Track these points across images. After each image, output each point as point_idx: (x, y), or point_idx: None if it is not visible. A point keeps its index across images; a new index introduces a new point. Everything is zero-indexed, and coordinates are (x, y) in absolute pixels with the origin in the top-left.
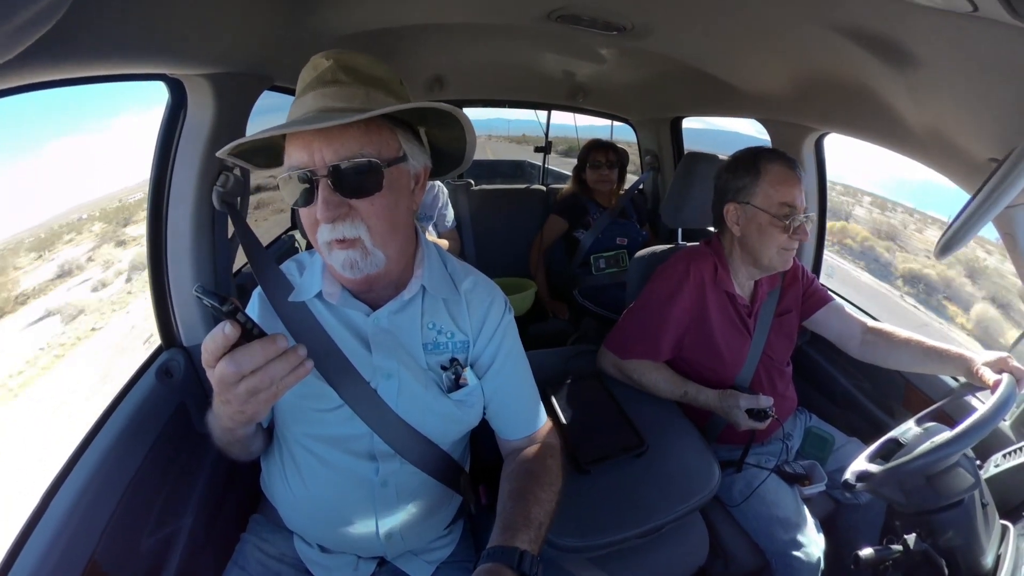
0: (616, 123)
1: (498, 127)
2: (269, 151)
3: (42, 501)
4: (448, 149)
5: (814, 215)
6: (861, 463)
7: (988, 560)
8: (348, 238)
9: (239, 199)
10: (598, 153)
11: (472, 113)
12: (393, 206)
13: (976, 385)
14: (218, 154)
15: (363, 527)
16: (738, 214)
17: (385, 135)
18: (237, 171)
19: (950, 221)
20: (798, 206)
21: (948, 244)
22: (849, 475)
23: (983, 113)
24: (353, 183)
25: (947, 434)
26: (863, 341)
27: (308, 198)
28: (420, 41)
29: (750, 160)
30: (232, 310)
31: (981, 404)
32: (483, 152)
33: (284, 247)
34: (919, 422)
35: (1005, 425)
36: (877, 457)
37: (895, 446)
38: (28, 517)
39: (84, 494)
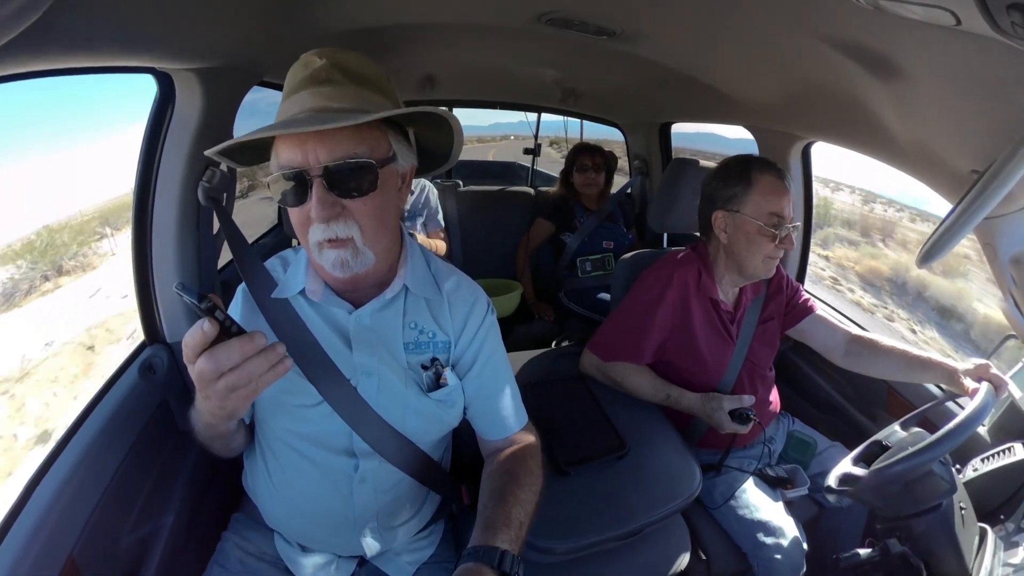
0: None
1: (546, 129)
2: (255, 149)
3: (20, 498)
4: (434, 149)
5: (800, 224)
6: (846, 465)
7: (966, 562)
8: (341, 237)
9: (225, 195)
10: (585, 156)
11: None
12: (384, 206)
13: (958, 392)
14: (207, 152)
15: (342, 524)
16: (727, 222)
17: (376, 135)
18: (224, 167)
19: (932, 231)
20: (786, 216)
21: (929, 253)
22: (832, 478)
23: (966, 126)
24: (348, 183)
25: (926, 440)
26: (847, 351)
27: (300, 198)
28: (412, 40)
29: (741, 169)
30: (210, 307)
31: (961, 410)
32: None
33: (275, 241)
34: (903, 426)
35: (983, 431)
36: (861, 460)
37: (879, 449)
38: (5, 515)
39: (63, 491)
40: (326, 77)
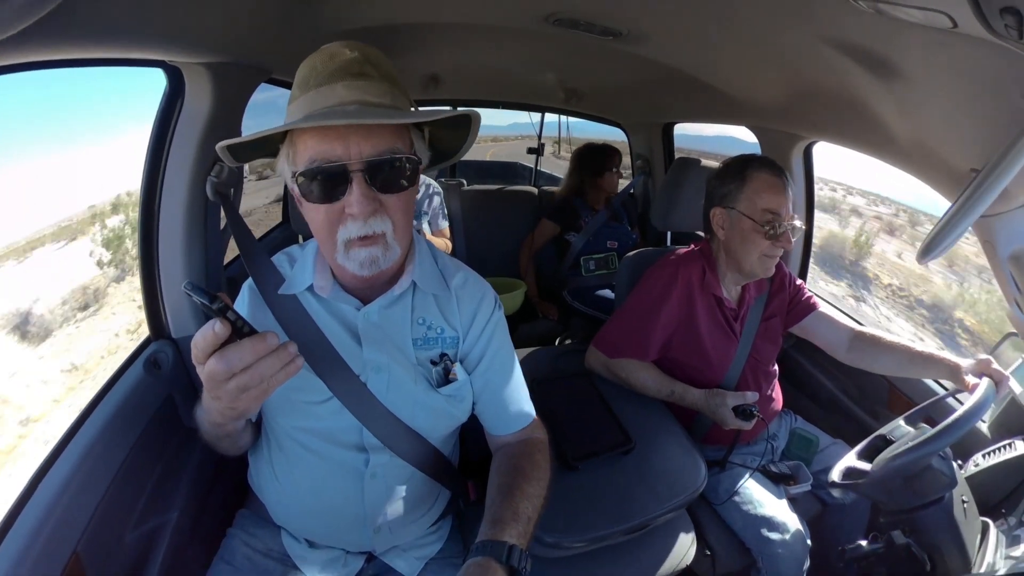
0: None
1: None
2: (258, 143)
3: (24, 493)
4: (442, 145)
5: (800, 223)
6: (850, 459)
7: (969, 555)
8: (376, 233)
9: (232, 190)
10: (616, 157)
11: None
12: (412, 201)
13: (960, 388)
14: (219, 145)
15: (352, 520)
16: (723, 219)
17: (405, 133)
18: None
19: (932, 227)
20: (782, 214)
21: (928, 249)
22: (836, 472)
23: (965, 125)
24: (390, 178)
25: (925, 434)
26: (850, 347)
27: (335, 193)
28: (418, 39)
29: (738, 167)
30: (222, 308)
31: (962, 406)
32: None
33: (282, 236)
34: (907, 421)
35: (984, 426)
36: (864, 455)
37: (883, 443)
38: (9, 509)
39: (68, 486)
40: (360, 70)
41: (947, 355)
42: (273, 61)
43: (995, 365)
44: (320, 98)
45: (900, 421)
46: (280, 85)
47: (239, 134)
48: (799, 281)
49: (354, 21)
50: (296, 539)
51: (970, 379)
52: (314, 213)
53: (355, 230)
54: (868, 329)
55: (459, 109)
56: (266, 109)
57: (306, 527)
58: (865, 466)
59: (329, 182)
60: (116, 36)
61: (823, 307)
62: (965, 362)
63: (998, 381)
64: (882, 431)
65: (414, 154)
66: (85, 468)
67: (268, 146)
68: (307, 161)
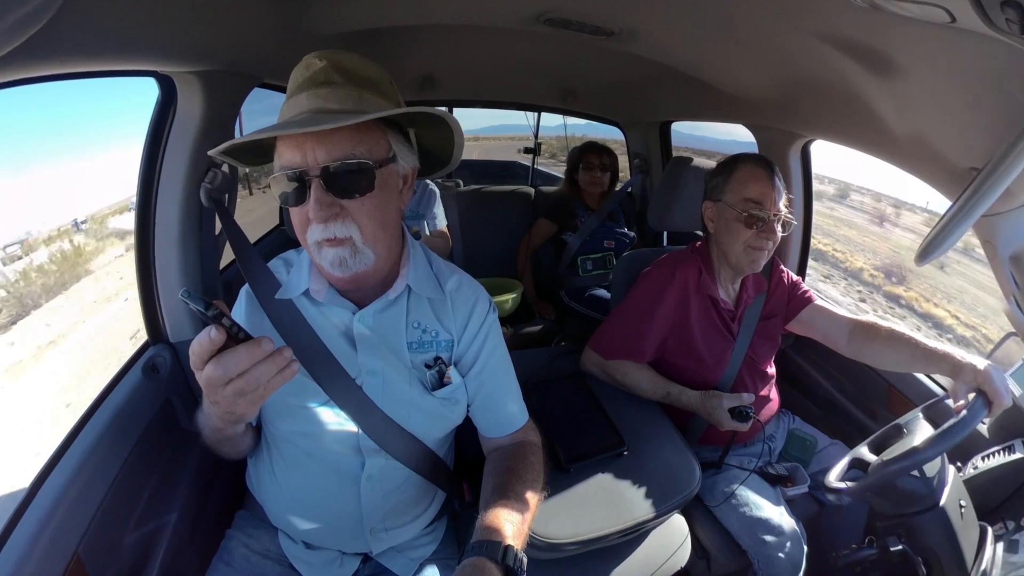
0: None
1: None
2: (259, 149)
3: (26, 496)
4: (436, 150)
5: (792, 218)
6: (859, 450)
7: (966, 561)
8: (339, 237)
9: (227, 196)
10: (592, 155)
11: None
12: (383, 206)
13: (952, 396)
14: (210, 152)
15: (349, 521)
16: (712, 212)
17: (376, 136)
18: (225, 168)
19: (931, 228)
20: (765, 204)
21: (927, 250)
22: (838, 467)
23: (964, 122)
24: (345, 184)
25: (911, 447)
26: (851, 339)
27: (300, 198)
28: (411, 41)
29: (729, 161)
30: (217, 315)
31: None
32: None
33: (275, 243)
34: (925, 412)
35: (983, 428)
36: (874, 445)
37: (896, 432)
38: (11, 512)
39: (68, 490)
40: (325, 79)
41: (950, 349)
42: (264, 67)
43: (994, 381)
44: (289, 109)
45: (918, 412)
46: (274, 89)
47: (232, 139)
48: (796, 278)
49: (343, 25)
50: (293, 540)
51: (960, 393)
52: (292, 215)
53: (317, 233)
54: (866, 318)
55: (437, 109)
56: (266, 110)
57: (303, 529)
58: (870, 456)
59: (295, 188)
60: (107, 49)
61: (820, 301)
62: (966, 363)
63: (992, 400)
64: (898, 421)
65: (386, 158)
66: (85, 471)
67: (270, 151)
68: (279, 168)
